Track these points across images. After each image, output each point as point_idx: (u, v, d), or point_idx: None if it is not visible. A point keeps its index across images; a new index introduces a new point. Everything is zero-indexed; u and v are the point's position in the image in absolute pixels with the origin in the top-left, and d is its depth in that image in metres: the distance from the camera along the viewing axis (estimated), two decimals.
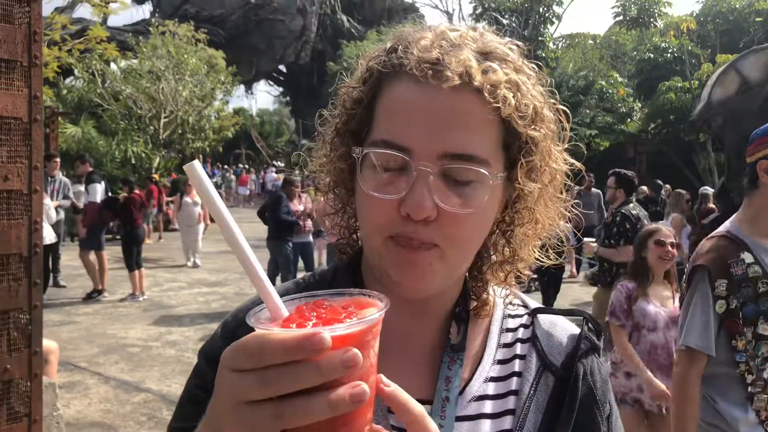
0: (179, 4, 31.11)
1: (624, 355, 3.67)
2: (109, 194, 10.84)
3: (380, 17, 34.25)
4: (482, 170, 0.74)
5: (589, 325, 0.90)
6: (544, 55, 26.28)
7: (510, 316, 0.92)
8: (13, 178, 2.34)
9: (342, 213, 0.90)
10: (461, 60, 0.74)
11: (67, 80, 22.94)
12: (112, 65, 20.80)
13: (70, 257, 11.15)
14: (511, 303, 0.92)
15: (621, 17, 28.26)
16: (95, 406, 5.48)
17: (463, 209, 0.74)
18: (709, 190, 11.17)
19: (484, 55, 0.77)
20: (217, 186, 27.83)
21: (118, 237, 12.35)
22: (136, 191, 10.43)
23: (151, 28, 21.25)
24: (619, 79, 25.88)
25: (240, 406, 0.52)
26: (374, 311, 0.55)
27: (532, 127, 0.78)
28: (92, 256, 9.65)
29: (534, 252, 0.88)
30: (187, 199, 12.78)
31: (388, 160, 0.75)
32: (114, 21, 22.00)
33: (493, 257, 0.88)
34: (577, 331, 0.91)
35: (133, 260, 9.65)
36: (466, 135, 0.74)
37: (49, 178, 9.55)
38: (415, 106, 0.74)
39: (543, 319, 0.91)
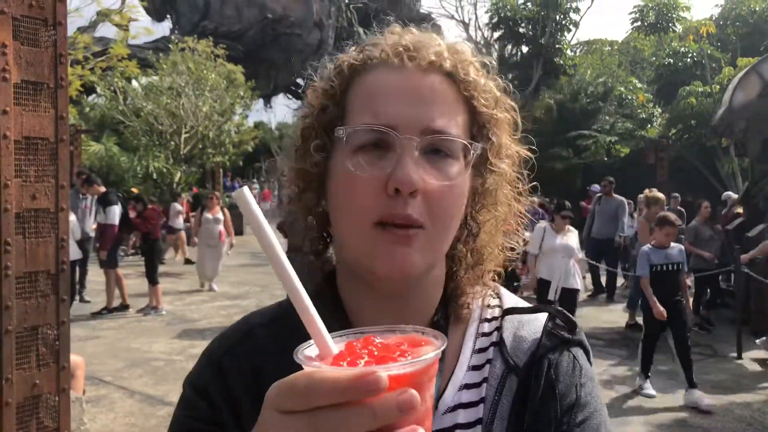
0: (198, 21, 31.57)
1: None
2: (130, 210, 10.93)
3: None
4: (463, 141, 0.77)
5: (557, 320, 0.87)
6: (561, 62, 26.20)
7: (486, 319, 0.89)
8: (41, 196, 2.39)
9: (307, 225, 0.87)
10: (433, 44, 0.80)
11: (90, 98, 23.36)
12: (134, 82, 21.13)
13: (94, 273, 11.31)
14: (488, 306, 0.90)
15: (639, 23, 28.06)
16: (120, 420, 5.54)
17: (444, 182, 0.75)
18: (733, 195, 11.02)
19: (449, 45, 0.83)
20: None
21: (132, 252, 12.26)
22: (150, 206, 10.58)
23: (170, 45, 21.57)
24: (639, 85, 25.67)
25: None
26: (430, 350, 0.51)
27: (496, 108, 0.83)
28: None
29: (497, 247, 0.88)
30: (208, 215, 11.45)
31: (370, 141, 0.75)
32: (134, 38, 22.39)
33: (463, 261, 0.86)
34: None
35: (155, 274, 9.77)
36: (443, 112, 0.77)
37: (81, 195, 9.72)
38: (393, 87, 0.77)
39: (511, 320, 0.88)
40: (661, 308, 5.83)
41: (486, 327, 0.88)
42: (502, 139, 0.83)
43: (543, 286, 7.34)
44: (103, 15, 19.31)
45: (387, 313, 0.80)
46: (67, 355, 2.48)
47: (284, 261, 0.54)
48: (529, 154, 0.89)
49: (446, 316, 0.85)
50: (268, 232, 0.54)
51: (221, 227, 11.41)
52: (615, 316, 9.91)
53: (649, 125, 23.77)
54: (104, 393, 6.21)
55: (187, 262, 14.75)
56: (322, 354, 0.52)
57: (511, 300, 0.92)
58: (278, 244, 0.54)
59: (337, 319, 0.80)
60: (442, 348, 0.51)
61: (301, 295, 0.54)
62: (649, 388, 6.19)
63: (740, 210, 9.90)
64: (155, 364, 7.16)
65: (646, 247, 6.36)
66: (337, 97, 0.81)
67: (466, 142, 0.77)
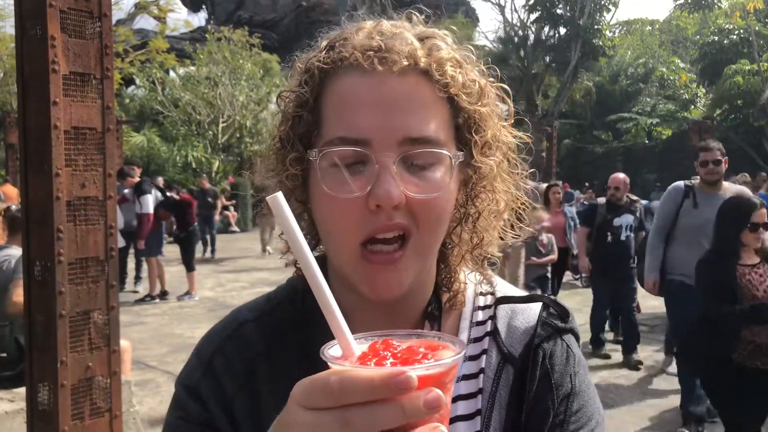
0: (233, 11, 31.86)
1: None
2: (168, 195, 11.07)
3: (432, 12, 34.09)
4: (443, 151, 0.74)
5: (550, 309, 0.86)
6: (600, 43, 25.63)
7: (480, 308, 0.88)
8: (90, 185, 2.45)
9: None
10: (405, 43, 0.74)
11: (129, 89, 23.87)
12: (171, 73, 21.49)
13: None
14: (482, 293, 0.88)
15: (682, 0, 27.22)
16: (166, 404, 5.58)
17: (428, 193, 0.73)
18: None
19: (423, 39, 0.77)
20: None
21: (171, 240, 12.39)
22: (180, 194, 10.78)
23: (207, 35, 21.84)
24: (681, 65, 24.99)
25: None
26: (450, 354, 0.53)
27: (479, 103, 0.78)
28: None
29: (497, 231, 0.85)
30: None
31: (347, 157, 0.73)
32: (174, 31, 22.74)
33: (459, 246, 0.84)
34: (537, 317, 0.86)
35: (192, 260, 10.01)
36: (421, 118, 0.73)
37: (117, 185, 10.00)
38: (365, 96, 0.73)
39: (504, 309, 0.87)
40: None
41: (480, 315, 0.87)
42: (488, 134, 0.79)
43: None
44: (142, 7, 19.65)
45: (379, 305, 0.79)
46: (117, 339, 2.56)
47: (313, 265, 0.57)
48: (525, 137, 0.86)
49: (439, 305, 0.85)
50: (300, 240, 0.57)
51: None
52: (658, 301, 9.71)
53: (692, 106, 23.16)
54: (150, 377, 6.38)
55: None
56: (346, 354, 0.55)
57: (504, 288, 0.91)
58: (308, 250, 0.57)
59: None
60: (463, 352, 0.53)
61: (327, 298, 0.56)
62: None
63: None
64: None
65: None
66: (309, 105, 0.77)
67: (446, 153, 0.74)
